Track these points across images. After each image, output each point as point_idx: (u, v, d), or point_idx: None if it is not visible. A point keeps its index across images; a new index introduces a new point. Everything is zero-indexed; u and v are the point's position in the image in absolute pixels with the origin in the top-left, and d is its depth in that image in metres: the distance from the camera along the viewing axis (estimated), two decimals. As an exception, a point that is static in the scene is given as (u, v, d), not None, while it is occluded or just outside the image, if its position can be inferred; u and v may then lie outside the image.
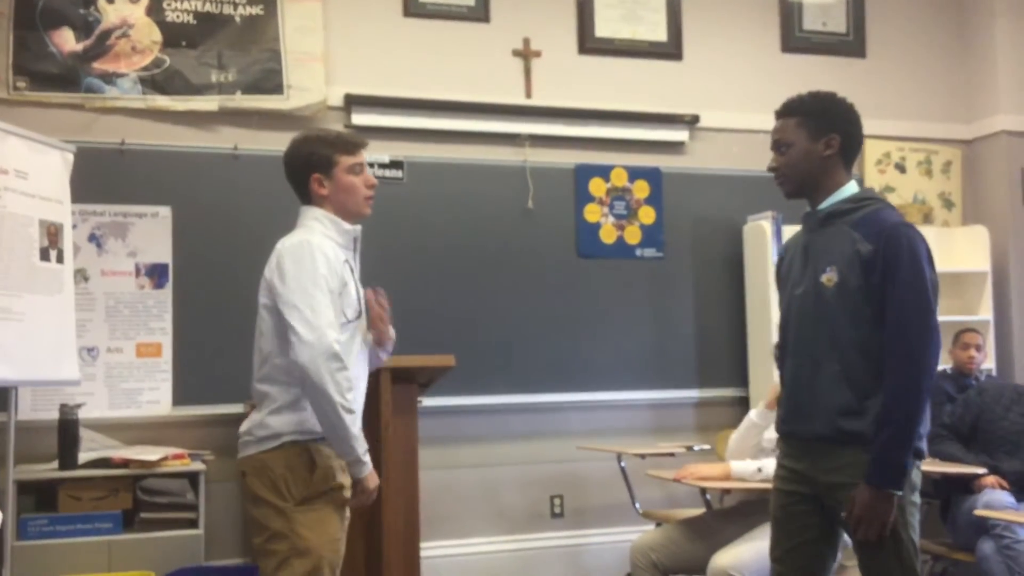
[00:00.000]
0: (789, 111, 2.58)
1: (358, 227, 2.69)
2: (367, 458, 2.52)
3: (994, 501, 3.91)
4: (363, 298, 2.68)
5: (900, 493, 2.36)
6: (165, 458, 3.96)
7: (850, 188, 2.56)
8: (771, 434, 3.39)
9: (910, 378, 2.36)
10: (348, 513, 2.62)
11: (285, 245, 2.57)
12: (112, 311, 4.33)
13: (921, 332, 2.37)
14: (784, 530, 2.59)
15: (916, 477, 2.45)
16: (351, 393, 2.47)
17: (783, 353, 2.66)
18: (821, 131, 2.53)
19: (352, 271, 2.65)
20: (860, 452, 2.40)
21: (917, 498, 2.46)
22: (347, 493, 2.58)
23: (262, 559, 2.53)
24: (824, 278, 2.48)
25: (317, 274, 2.49)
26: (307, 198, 2.67)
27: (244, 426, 2.60)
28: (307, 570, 2.46)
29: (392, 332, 2.80)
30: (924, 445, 2.44)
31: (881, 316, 2.40)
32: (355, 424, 2.49)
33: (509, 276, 4.86)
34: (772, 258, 4.91)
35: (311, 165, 2.63)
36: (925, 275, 2.40)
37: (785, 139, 2.57)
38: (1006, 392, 4.28)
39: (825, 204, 2.55)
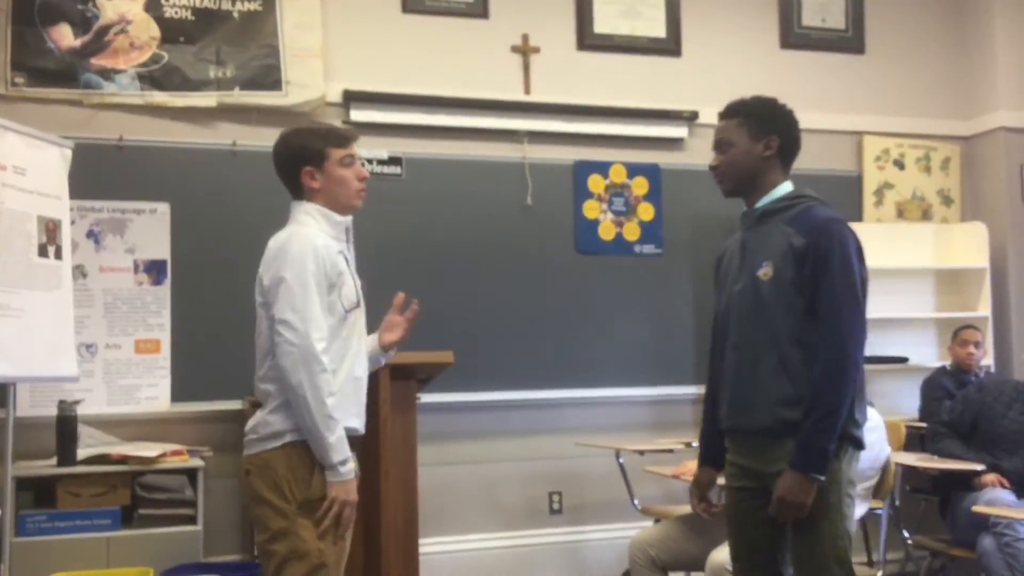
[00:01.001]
0: (731, 113, 2.68)
1: (348, 218, 2.67)
2: (345, 468, 2.47)
3: (995, 500, 3.91)
4: (360, 288, 2.66)
5: (822, 478, 2.41)
6: (164, 454, 3.96)
7: (785, 188, 2.65)
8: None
9: (837, 366, 2.43)
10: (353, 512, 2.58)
11: (276, 240, 2.56)
12: (110, 307, 4.33)
13: (850, 322, 2.45)
14: (739, 526, 2.65)
15: (853, 469, 2.52)
16: (332, 398, 2.43)
17: (721, 349, 2.72)
18: (762, 132, 2.62)
19: (347, 262, 2.63)
20: None
21: (853, 491, 2.52)
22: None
23: (263, 558, 2.52)
24: (760, 272, 2.56)
25: (305, 272, 2.47)
26: (298, 193, 2.65)
27: (249, 424, 2.58)
28: (304, 573, 2.44)
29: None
30: (861, 434, 2.51)
31: (814, 307, 2.48)
32: (333, 431, 2.44)
33: (508, 273, 4.86)
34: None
35: (302, 158, 2.61)
36: (854, 268, 2.49)
37: (727, 138, 2.66)
38: (1006, 390, 4.27)
39: (761, 203, 2.64)
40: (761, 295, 2.55)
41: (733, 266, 2.69)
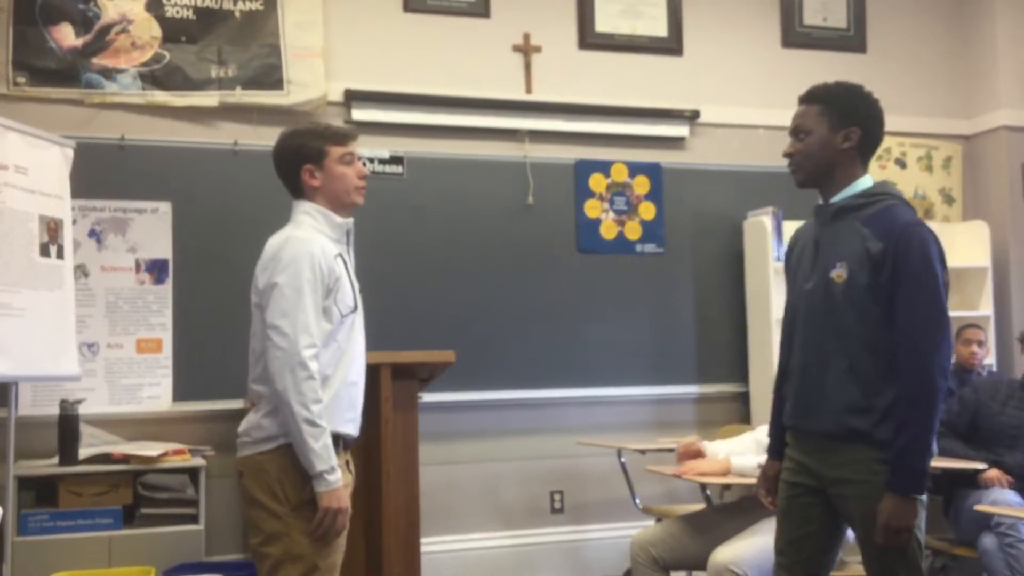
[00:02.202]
0: (813, 98, 2.55)
1: (350, 220, 2.66)
2: (332, 476, 2.43)
3: (998, 500, 3.92)
4: (358, 292, 2.64)
5: (924, 497, 2.34)
6: (165, 454, 3.96)
7: (864, 182, 2.53)
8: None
9: (925, 381, 2.33)
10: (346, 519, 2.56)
11: (272, 243, 2.55)
12: (112, 307, 4.33)
13: (934, 334, 2.36)
14: (788, 521, 2.60)
15: None
16: (317, 405, 2.41)
17: (789, 346, 2.65)
18: (843, 122, 2.49)
19: (346, 264, 2.61)
20: (864, 448, 2.39)
21: (924, 497, 2.43)
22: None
23: (257, 561, 2.51)
24: (834, 274, 2.46)
25: (299, 277, 2.45)
26: (298, 192, 2.63)
27: (242, 426, 2.57)
28: (299, 575, 2.44)
29: None
30: (934, 444, 2.41)
31: (889, 315, 2.38)
32: (318, 438, 2.40)
33: (509, 272, 4.86)
34: (772, 253, 4.91)
35: (302, 156, 2.60)
36: (937, 275, 2.39)
37: (805, 126, 2.54)
38: (1000, 388, 4.29)
39: (837, 197, 2.52)
40: (833, 297, 2.46)
41: (804, 262, 2.60)
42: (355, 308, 2.60)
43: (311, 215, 2.60)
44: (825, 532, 2.55)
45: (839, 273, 2.45)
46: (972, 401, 4.28)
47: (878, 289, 2.39)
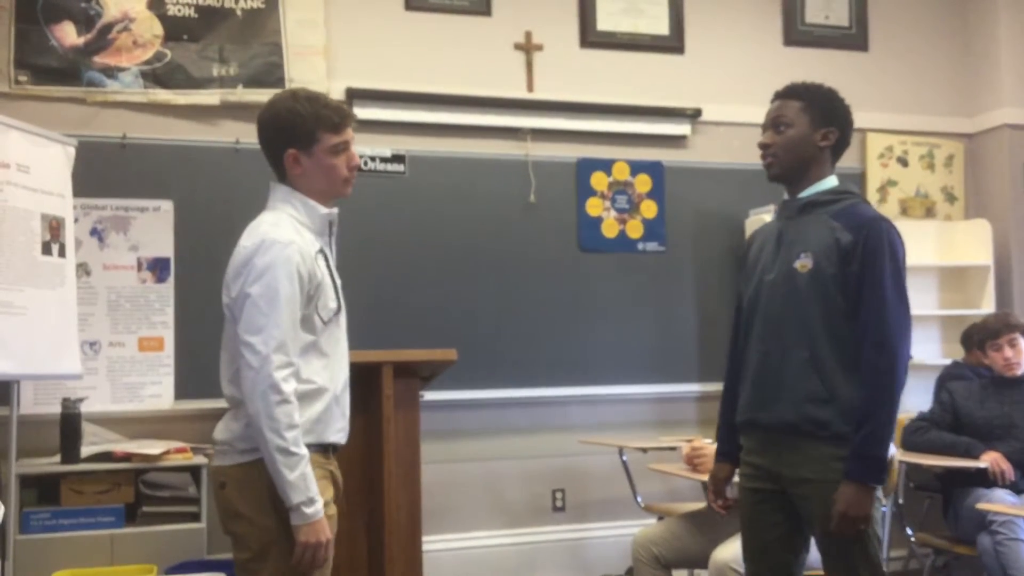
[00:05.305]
0: (794, 94, 2.60)
1: (335, 210, 2.41)
2: (310, 509, 2.18)
3: (995, 500, 3.92)
4: (340, 289, 2.41)
5: (880, 487, 2.37)
6: (167, 452, 3.96)
7: (831, 181, 2.59)
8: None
9: (888, 372, 2.37)
10: (335, 514, 2.36)
11: (245, 245, 2.30)
12: (114, 305, 4.33)
13: (900, 326, 2.40)
14: (752, 528, 2.60)
15: None
16: (291, 431, 2.17)
17: (745, 340, 2.65)
18: (823, 121, 2.56)
19: (327, 260, 2.38)
20: (823, 446, 2.41)
21: (880, 492, 2.47)
22: (331, 509, 2.33)
23: (243, 575, 2.31)
24: (798, 264, 2.50)
25: (274, 287, 2.20)
26: (280, 173, 2.38)
27: (221, 434, 2.34)
28: None
29: None
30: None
31: (854, 305, 2.42)
32: (293, 468, 2.16)
33: (511, 270, 4.86)
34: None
35: (289, 138, 2.33)
36: (903, 270, 2.45)
37: (786, 119, 2.57)
38: (974, 387, 4.31)
39: (805, 193, 2.57)
40: (796, 287, 2.49)
41: (765, 256, 2.62)
42: (338, 309, 2.38)
43: (292, 204, 2.36)
44: (791, 536, 2.55)
45: (803, 263, 2.49)
46: (950, 405, 4.30)
47: (845, 280, 2.43)
